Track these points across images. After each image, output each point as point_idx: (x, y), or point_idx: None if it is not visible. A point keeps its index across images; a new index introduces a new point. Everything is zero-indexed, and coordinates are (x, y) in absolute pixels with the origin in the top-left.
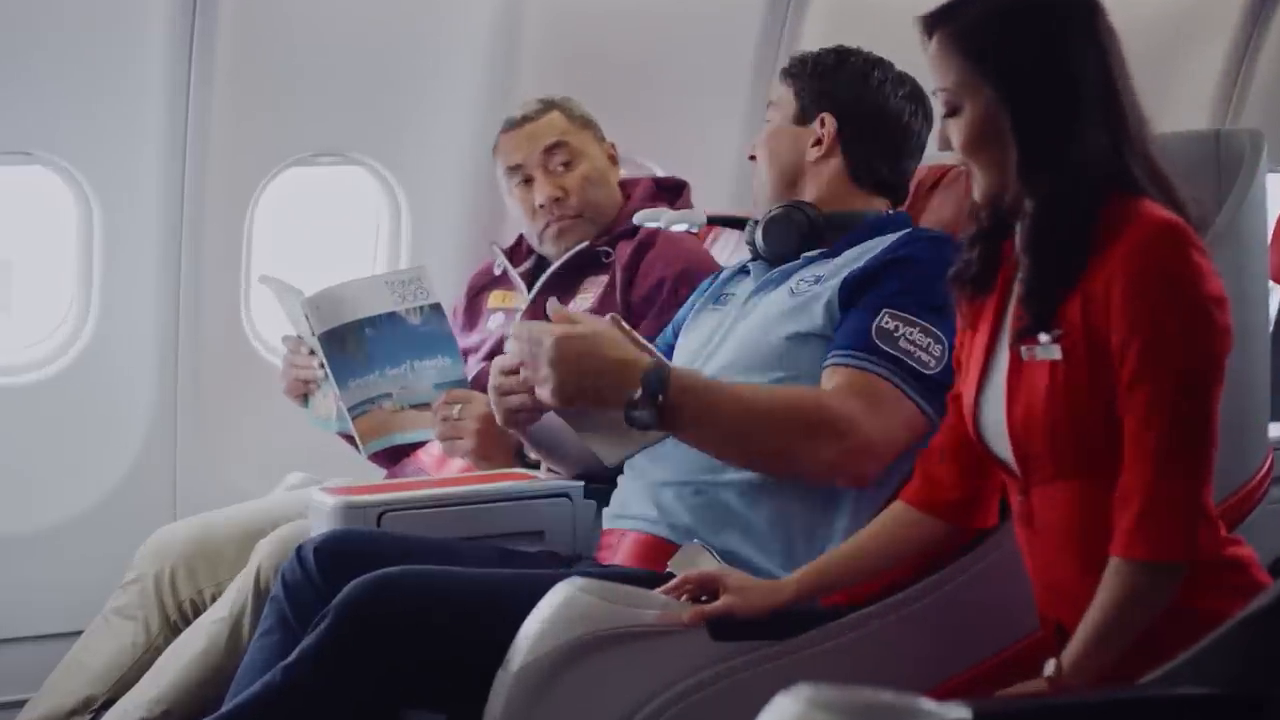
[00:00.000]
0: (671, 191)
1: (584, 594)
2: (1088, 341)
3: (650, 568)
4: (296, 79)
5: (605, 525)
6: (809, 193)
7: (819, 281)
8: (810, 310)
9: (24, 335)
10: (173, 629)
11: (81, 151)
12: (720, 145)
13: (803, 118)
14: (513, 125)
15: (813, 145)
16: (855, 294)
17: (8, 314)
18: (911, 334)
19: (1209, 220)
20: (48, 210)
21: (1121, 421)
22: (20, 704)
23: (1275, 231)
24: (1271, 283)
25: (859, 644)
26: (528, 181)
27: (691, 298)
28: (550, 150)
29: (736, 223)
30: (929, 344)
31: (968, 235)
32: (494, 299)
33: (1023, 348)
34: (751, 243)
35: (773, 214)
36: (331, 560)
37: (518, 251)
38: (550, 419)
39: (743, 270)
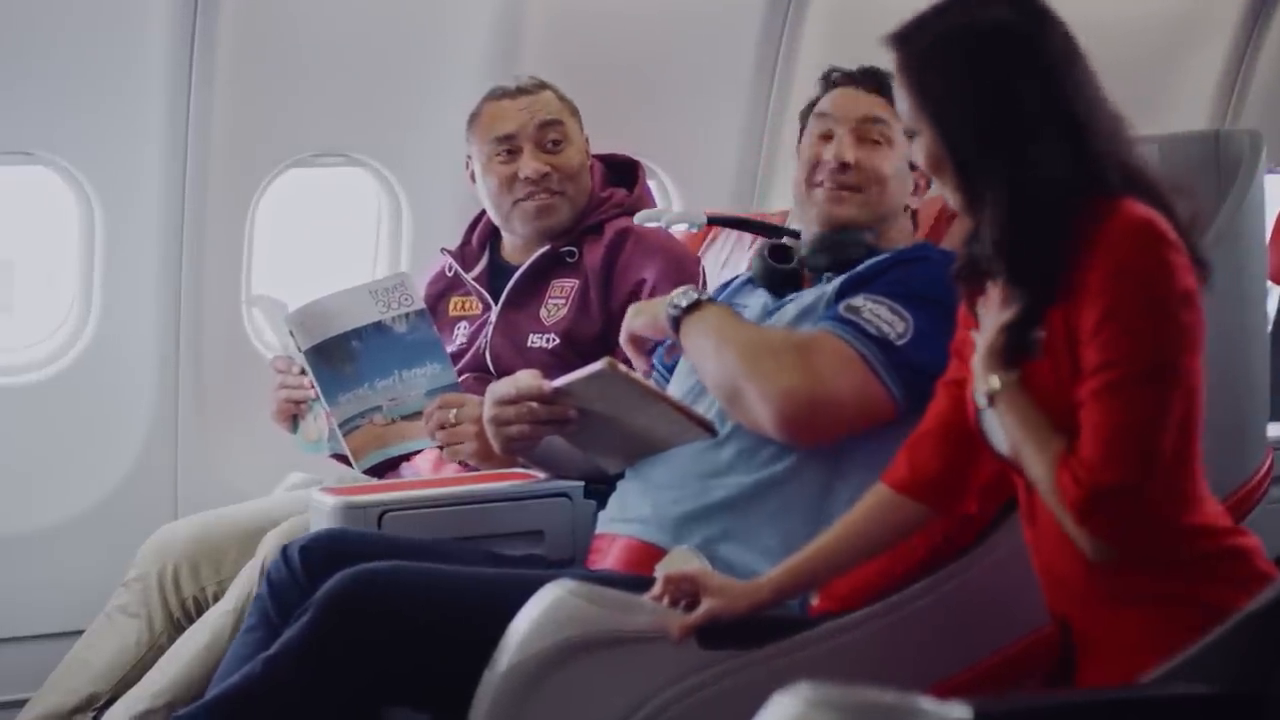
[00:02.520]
0: (624, 172)
1: (573, 596)
2: (1068, 340)
3: (639, 573)
4: (298, 79)
5: (599, 529)
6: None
7: (825, 288)
8: (815, 311)
9: (26, 335)
10: (175, 627)
11: (83, 152)
12: (720, 145)
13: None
14: (505, 94)
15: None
16: (848, 291)
17: (9, 314)
18: (876, 310)
19: (1203, 220)
20: (49, 210)
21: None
22: (20, 704)
23: (1274, 231)
24: (1271, 283)
25: (856, 645)
26: (512, 153)
27: None
28: (545, 126)
29: (737, 223)
30: (894, 320)
31: (968, 231)
32: (454, 306)
33: None
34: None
35: (773, 242)
36: (318, 560)
37: (467, 252)
38: (551, 440)
39: (749, 283)
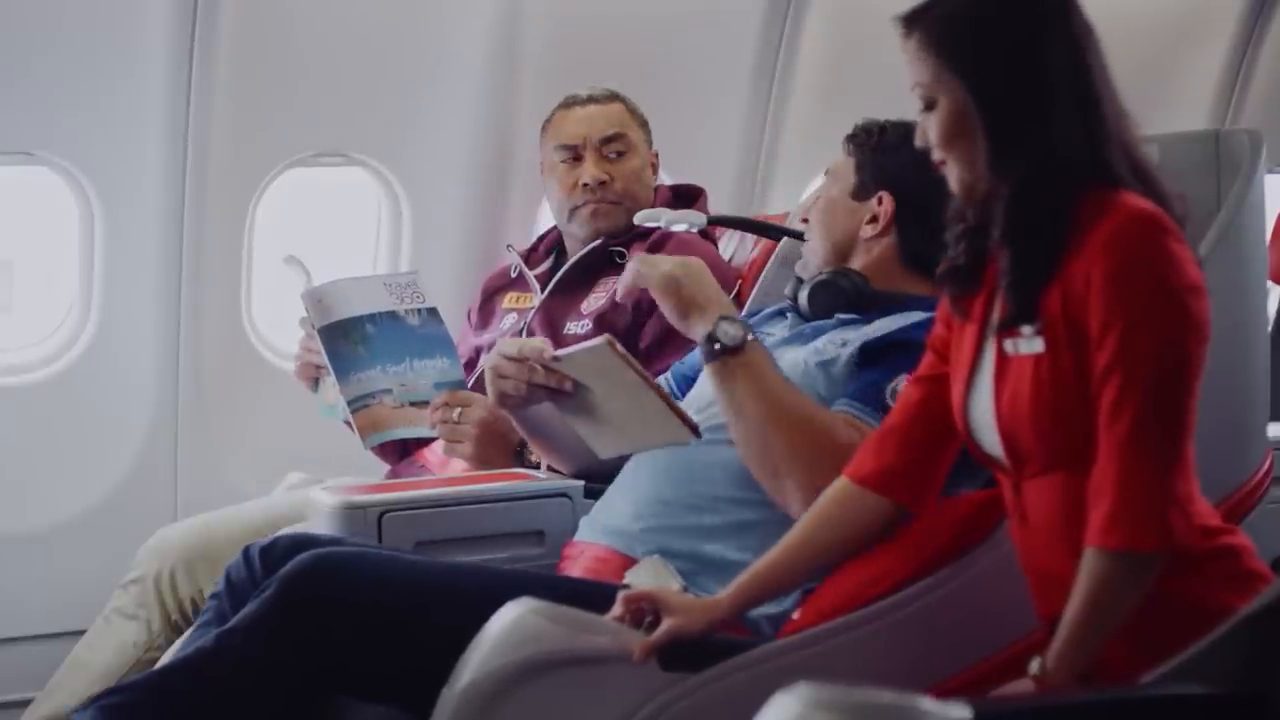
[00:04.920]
0: (686, 199)
1: (533, 615)
2: (1069, 333)
3: (607, 580)
4: (298, 79)
5: (576, 536)
6: (856, 265)
7: (844, 345)
8: (828, 373)
9: (26, 335)
10: (174, 629)
11: (83, 152)
12: (720, 146)
13: (861, 193)
14: (576, 103)
15: (868, 222)
16: (876, 356)
17: (9, 314)
18: None
19: (1195, 217)
20: (49, 210)
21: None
22: (21, 704)
23: (1275, 231)
24: (1271, 283)
25: (828, 657)
26: (576, 159)
27: None
28: (610, 139)
29: (737, 223)
30: None
31: (954, 232)
32: (508, 300)
33: (1006, 341)
34: (793, 298)
35: (821, 278)
36: (278, 561)
37: (534, 254)
38: (544, 409)
39: (779, 314)
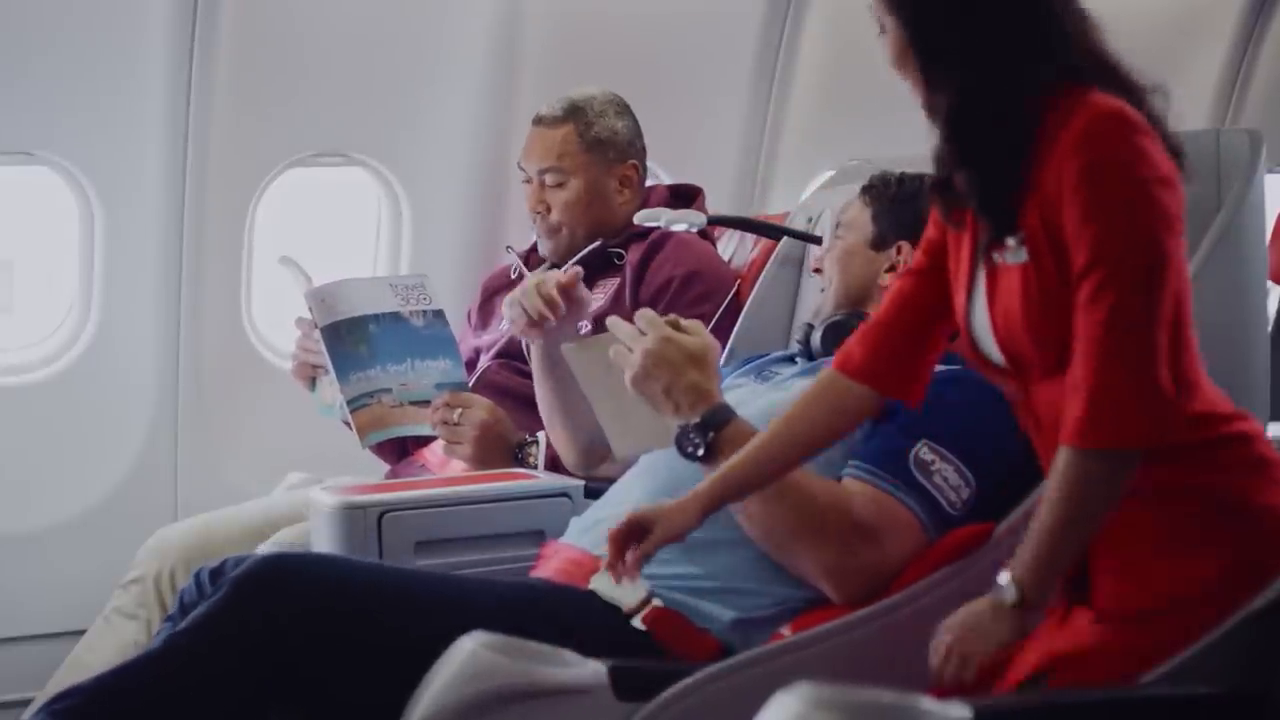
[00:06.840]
0: (684, 199)
1: (486, 650)
2: (1049, 240)
3: (575, 583)
4: (298, 79)
5: (562, 538)
6: (872, 309)
7: None
8: None
9: (26, 335)
10: None
11: (83, 152)
12: (720, 146)
13: (880, 243)
14: (535, 123)
15: (887, 270)
16: (892, 411)
17: (9, 314)
18: (946, 471)
19: (1195, 217)
20: (49, 210)
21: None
22: (21, 704)
23: (1275, 231)
24: (1271, 283)
25: (833, 652)
26: (529, 181)
27: (731, 367)
28: (546, 169)
29: (737, 223)
30: (960, 485)
31: (934, 151)
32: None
33: (994, 254)
34: (804, 342)
35: (834, 319)
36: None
37: (533, 255)
38: (574, 391)
39: (789, 358)
